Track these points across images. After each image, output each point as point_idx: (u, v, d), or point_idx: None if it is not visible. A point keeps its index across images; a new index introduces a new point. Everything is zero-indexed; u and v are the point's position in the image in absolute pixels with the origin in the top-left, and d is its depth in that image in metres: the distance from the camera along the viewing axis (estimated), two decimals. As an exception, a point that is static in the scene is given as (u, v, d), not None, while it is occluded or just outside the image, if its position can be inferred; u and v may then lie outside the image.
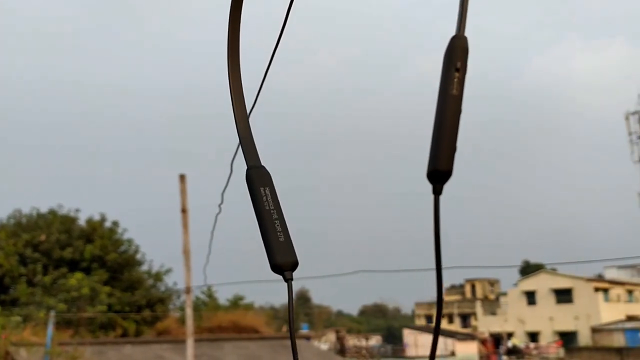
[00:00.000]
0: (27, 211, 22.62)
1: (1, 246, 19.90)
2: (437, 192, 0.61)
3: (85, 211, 26.28)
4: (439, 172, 0.61)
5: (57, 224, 21.42)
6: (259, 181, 0.80)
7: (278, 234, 0.76)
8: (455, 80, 0.62)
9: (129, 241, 22.49)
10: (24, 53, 76.67)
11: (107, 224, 22.26)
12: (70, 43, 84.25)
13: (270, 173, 0.82)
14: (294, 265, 0.76)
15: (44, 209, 22.60)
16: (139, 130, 79.77)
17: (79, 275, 19.55)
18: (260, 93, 1.12)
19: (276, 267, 0.75)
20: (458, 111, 0.62)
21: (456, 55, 0.63)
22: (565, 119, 75.08)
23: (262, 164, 0.84)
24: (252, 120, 0.92)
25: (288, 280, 0.75)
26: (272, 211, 0.78)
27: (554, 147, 71.37)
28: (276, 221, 0.77)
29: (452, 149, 0.61)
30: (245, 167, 0.83)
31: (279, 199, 0.80)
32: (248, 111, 0.90)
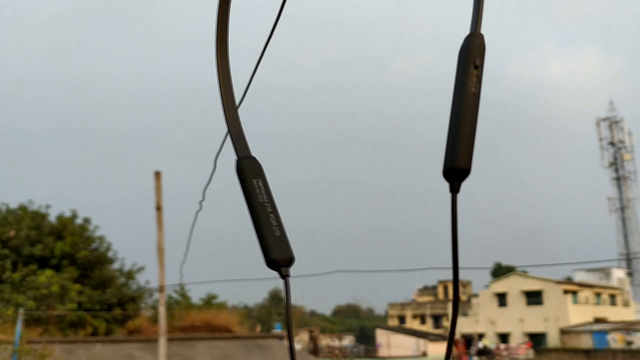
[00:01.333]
0: (-4, 207, 22.18)
1: (-32, 242, 19.47)
2: (454, 190, 0.61)
3: (56, 207, 25.86)
4: (458, 170, 0.60)
5: (27, 220, 21.05)
6: (251, 172, 0.77)
7: (273, 228, 0.73)
8: (474, 78, 0.62)
9: (101, 238, 22.20)
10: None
11: (79, 221, 21.94)
12: (48, 33, 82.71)
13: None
14: (291, 260, 0.73)
15: (13, 205, 22.20)
16: (116, 125, 78.73)
17: (48, 272, 19.23)
18: (249, 89, 1.10)
19: (272, 263, 0.72)
20: (476, 109, 0.62)
21: (474, 52, 0.63)
22: (538, 124, 76.27)
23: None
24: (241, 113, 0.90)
25: (285, 277, 0.72)
26: (266, 204, 0.75)
27: (526, 152, 72.46)
28: (271, 214, 0.74)
29: (471, 147, 0.61)
30: (235, 159, 0.79)
31: (272, 191, 0.77)
32: (237, 103, 0.87)
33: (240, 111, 0.99)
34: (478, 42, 0.63)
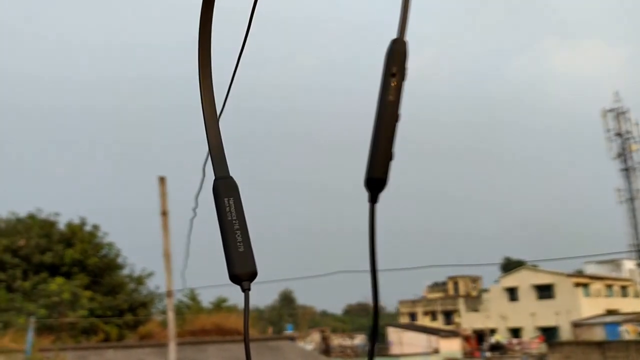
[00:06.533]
0: (5, 216, 22.32)
1: (-21, 252, 19.60)
2: (372, 200, 0.61)
3: (65, 215, 25.98)
4: (374, 180, 0.60)
5: (37, 229, 21.16)
6: (223, 192, 0.80)
7: (238, 244, 0.76)
8: (392, 85, 0.61)
9: (110, 245, 22.31)
10: None
11: (88, 228, 22.04)
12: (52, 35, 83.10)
13: (239, 183, 0.82)
14: (252, 275, 0.76)
15: (22, 214, 22.33)
16: (122, 129, 78.98)
17: (59, 280, 19.33)
18: (230, 97, 1.12)
19: (234, 278, 0.76)
20: (394, 118, 0.61)
21: (393, 60, 0.62)
22: (545, 117, 75.94)
23: (235, 169, 0.83)
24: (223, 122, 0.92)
25: (245, 290, 0.76)
26: (234, 221, 0.78)
27: (535, 145, 72.18)
28: (237, 231, 0.77)
29: (388, 157, 0.60)
30: (213, 179, 0.82)
31: (244, 209, 0.80)
32: (218, 115, 0.90)
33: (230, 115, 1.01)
34: (397, 49, 0.62)
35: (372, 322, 0.63)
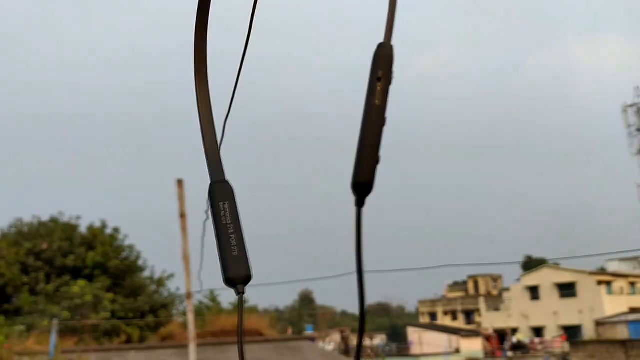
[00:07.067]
0: (28, 220, 22.69)
1: (3, 255, 19.96)
2: (359, 204, 0.61)
3: (86, 218, 26.33)
4: (360, 184, 0.61)
5: (59, 232, 21.48)
6: (218, 196, 0.80)
7: (232, 248, 0.76)
8: (378, 89, 0.62)
9: (131, 247, 22.55)
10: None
11: (108, 231, 22.31)
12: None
13: (234, 187, 0.82)
14: (247, 279, 0.76)
15: (45, 217, 22.67)
16: (139, 132, 79.70)
17: (81, 282, 19.60)
18: (234, 106, 1.14)
19: (228, 281, 0.76)
20: (380, 121, 0.62)
21: (378, 64, 0.63)
22: (564, 113, 75.13)
23: (239, 169, 0.83)
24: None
25: (239, 293, 0.76)
26: (228, 225, 0.77)
27: (554, 142, 71.40)
28: (232, 235, 0.77)
29: (374, 161, 0.61)
30: (209, 183, 0.82)
31: (239, 212, 0.79)
32: (222, 121, 0.90)
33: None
34: (383, 54, 0.63)
35: (359, 324, 0.64)
